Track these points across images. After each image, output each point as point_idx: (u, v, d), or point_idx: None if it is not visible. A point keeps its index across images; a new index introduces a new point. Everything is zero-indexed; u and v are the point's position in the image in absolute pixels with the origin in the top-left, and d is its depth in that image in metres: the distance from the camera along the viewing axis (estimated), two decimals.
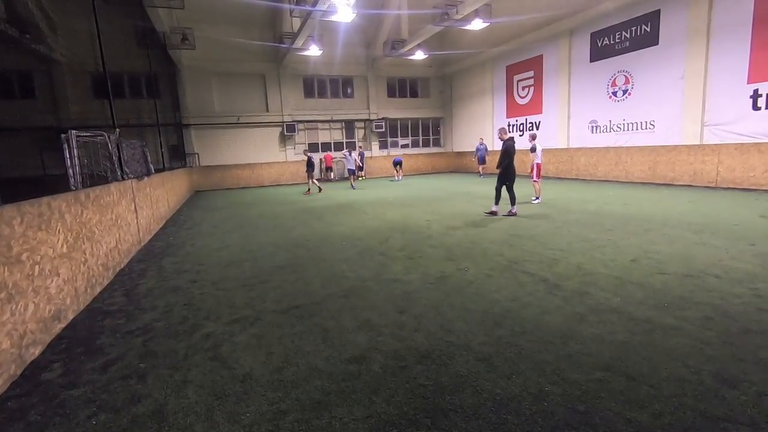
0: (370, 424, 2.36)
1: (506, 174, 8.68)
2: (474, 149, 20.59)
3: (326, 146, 23.61)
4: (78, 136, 5.35)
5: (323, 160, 22.63)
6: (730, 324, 3.36)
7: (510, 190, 8.81)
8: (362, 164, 22.37)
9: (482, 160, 19.74)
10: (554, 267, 5.13)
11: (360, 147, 23.64)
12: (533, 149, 10.46)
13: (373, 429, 2.31)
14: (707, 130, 12.31)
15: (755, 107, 11.10)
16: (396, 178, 21.46)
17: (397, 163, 21.05)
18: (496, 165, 8.89)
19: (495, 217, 8.78)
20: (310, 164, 16.01)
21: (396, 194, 14.42)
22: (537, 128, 18.89)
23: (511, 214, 8.76)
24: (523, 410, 2.40)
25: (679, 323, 3.42)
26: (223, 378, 2.93)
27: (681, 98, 12.87)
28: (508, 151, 8.56)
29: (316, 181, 16.41)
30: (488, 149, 20.11)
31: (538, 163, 10.56)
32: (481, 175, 19.99)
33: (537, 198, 10.69)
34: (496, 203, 8.97)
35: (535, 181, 10.62)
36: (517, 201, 9.01)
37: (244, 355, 3.26)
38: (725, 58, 11.65)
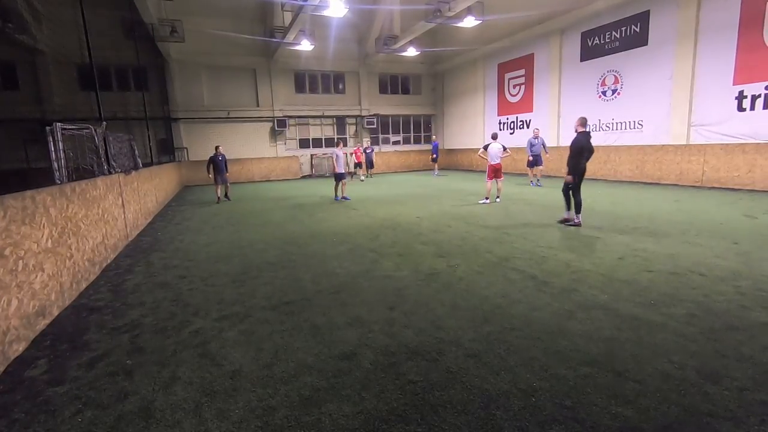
0: (360, 420, 2.36)
1: (572, 173, 7.32)
2: (527, 144, 14.05)
3: (317, 142, 23.49)
4: (63, 129, 5.24)
5: (352, 154, 20.09)
6: (714, 321, 3.43)
7: (574, 194, 7.41)
8: (372, 162, 20.54)
9: (537, 161, 13.97)
10: (543, 264, 5.18)
11: (368, 142, 22.39)
12: (485, 147, 10.58)
13: (363, 425, 2.32)
14: (694, 130, 12.51)
15: (740, 108, 11.30)
16: (435, 172, 21.11)
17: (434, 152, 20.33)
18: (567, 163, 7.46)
19: (573, 225, 7.38)
20: (217, 164, 12.91)
21: (386, 191, 14.42)
22: (527, 126, 19.02)
23: (574, 223, 7.35)
24: (512, 406, 2.43)
25: (664, 320, 3.48)
26: (212, 374, 2.91)
27: (669, 98, 13.06)
28: (574, 146, 7.23)
29: (223, 187, 13.33)
30: (546, 145, 14.06)
31: (490, 164, 10.40)
32: (533, 182, 14.27)
33: (486, 199, 10.54)
34: (568, 209, 7.56)
35: (488, 181, 10.57)
36: (581, 208, 7.42)
37: (234, 351, 3.24)
38: (712, 60, 11.83)
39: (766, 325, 3.31)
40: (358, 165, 19.62)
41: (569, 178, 7.28)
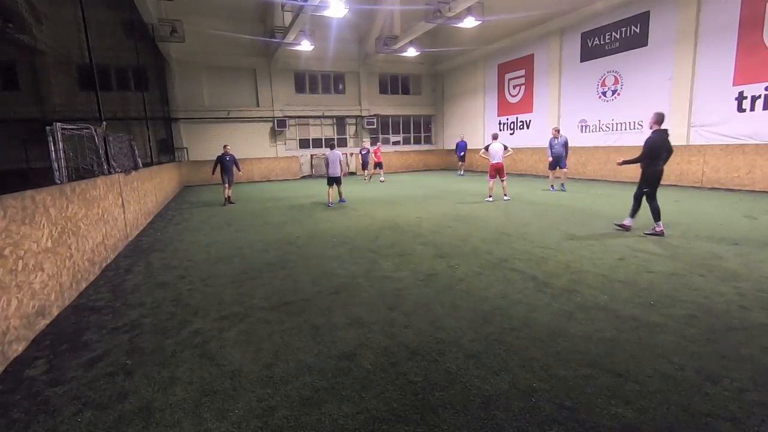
0: (360, 420, 2.36)
1: (646, 177, 6.56)
2: (547, 145, 12.82)
3: (317, 142, 23.49)
4: (63, 129, 5.24)
5: (372, 154, 18.52)
6: (714, 322, 3.43)
7: (648, 200, 6.59)
8: (368, 162, 18.96)
9: (558, 163, 12.47)
10: (543, 265, 5.18)
11: (364, 143, 21.07)
12: (486, 148, 10.94)
13: (363, 425, 2.32)
14: (693, 131, 12.51)
15: (740, 109, 11.30)
16: (460, 172, 20.74)
17: (462, 151, 19.78)
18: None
19: (625, 231, 6.81)
20: (224, 164, 12.19)
21: (386, 192, 14.42)
22: (527, 127, 19.03)
23: (655, 232, 6.51)
24: (512, 406, 2.43)
25: (664, 321, 3.48)
26: (212, 375, 2.91)
27: (668, 99, 13.05)
28: (649, 146, 6.46)
29: (227, 190, 12.48)
30: (567, 145, 12.62)
31: (491, 164, 10.78)
32: (554, 186, 12.78)
33: (490, 197, 10.97)
34: (632, 215, 6.80)
35: (489, 180, 11.00)
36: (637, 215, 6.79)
37: (233, 351, 3.24)
38: (712, 61, 11.84)
39: (765, 326, 3.31)
40: (378, 165, 18.29)
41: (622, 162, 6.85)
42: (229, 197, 12.60)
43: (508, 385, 2.63)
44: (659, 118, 6.46)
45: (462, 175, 20.49)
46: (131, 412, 2.53)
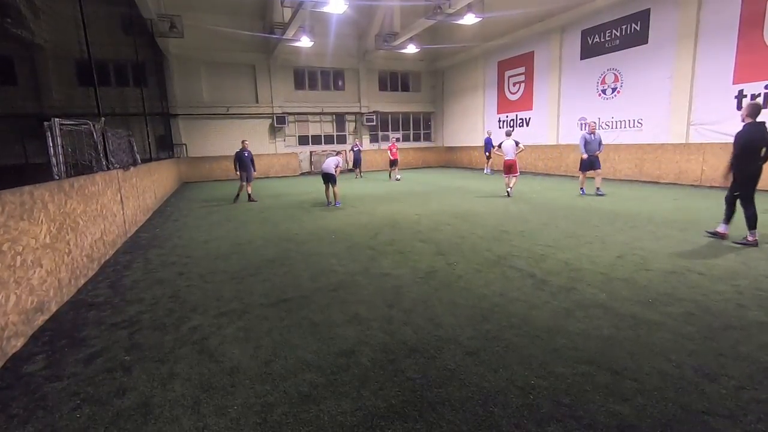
0: (359, 416, 2.36)
1: (739, 177, 5.67)
2: (581, 141, 11.11)
3: (316, 139, 23.45)
4: (62, 125, 5.22)
5: (388, 150, 17.68)
6: (712, 320, 3.44)
7: (744, 204, 5.64)
8: (359, 160, 19.13)
9: (594, 164, 10.88)
10: (542, 263, 5.18)
11: (357, 141, 20.68)
12: (500, 145, 11.23)
13: (362, 422, 2.32)
14: (693, 129, 12.51)
15: (740, 108, 11.29)
16: (486, 170, 19.47)
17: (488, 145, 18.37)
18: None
19: (722, 240, 5.90)
20: (243, 160, 11.84)
21: (385, 189, 14.41)
22: (527, 125, 19.00)
23: (746, 242, 5.61)
24: (510, 403, 2.44)
25: (662, 319, 3.49)
26: (211, 371, 2.91)
27: (668, 97, 13.05)
28: (739, 141, 5.62)
29: (244, 185, 12.00)
30: (602, 143, 11.14)
31: (505, 160, 11.12)
32: (583, 189, 11.24)
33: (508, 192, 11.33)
34: (725, 221, 5.92)
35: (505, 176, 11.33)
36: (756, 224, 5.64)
37: (232, 348, 3.24)
38: (712, 59, 11.82)
39: (763, 324, 3.33)
40: (393, 163, 17.48)
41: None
42: (249, 195, 12.14)
43: (507, 382, 2.64)
44: (753, 110, 5.53)
45: (490, 173, 19.00)
46: (130, 407, 2.53)
